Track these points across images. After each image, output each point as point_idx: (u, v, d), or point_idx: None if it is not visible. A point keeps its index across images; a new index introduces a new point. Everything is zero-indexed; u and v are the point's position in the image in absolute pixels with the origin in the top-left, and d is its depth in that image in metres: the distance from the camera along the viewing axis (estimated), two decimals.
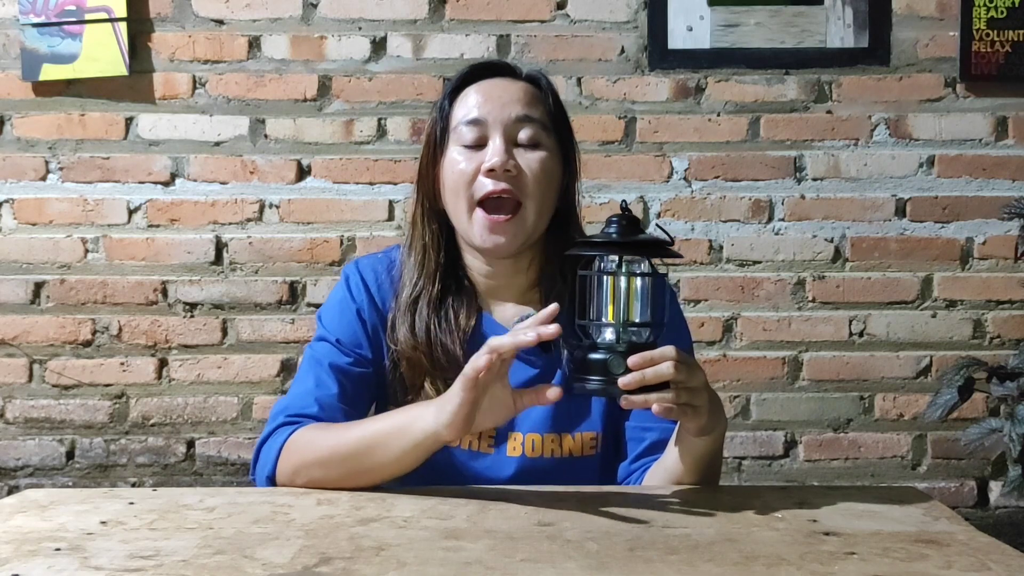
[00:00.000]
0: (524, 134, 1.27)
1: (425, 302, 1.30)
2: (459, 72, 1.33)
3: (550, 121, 1.30)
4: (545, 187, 1.28)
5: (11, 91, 2.45)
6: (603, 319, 1.08)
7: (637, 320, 1.07)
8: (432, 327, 1.28)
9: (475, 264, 1.33)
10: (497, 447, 1.29)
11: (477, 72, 1.32)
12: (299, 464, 1.18)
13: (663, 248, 1.08)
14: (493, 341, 1.07)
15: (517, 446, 1.29)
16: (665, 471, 1.21)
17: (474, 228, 1.27)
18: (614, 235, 1.07)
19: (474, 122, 1.27)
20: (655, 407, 1.04)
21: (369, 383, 1.31)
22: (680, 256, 1.10)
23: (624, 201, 1.17)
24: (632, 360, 1.03)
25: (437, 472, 1.21)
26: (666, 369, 1.03)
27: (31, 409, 2.48)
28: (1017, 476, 2.07)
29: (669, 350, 1.04)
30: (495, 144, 1.25)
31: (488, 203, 1.26)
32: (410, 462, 1.14)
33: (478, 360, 1.06)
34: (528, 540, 0.95)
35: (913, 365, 2.48)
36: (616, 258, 1.08)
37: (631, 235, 1.06)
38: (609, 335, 1.07)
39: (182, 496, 1.13)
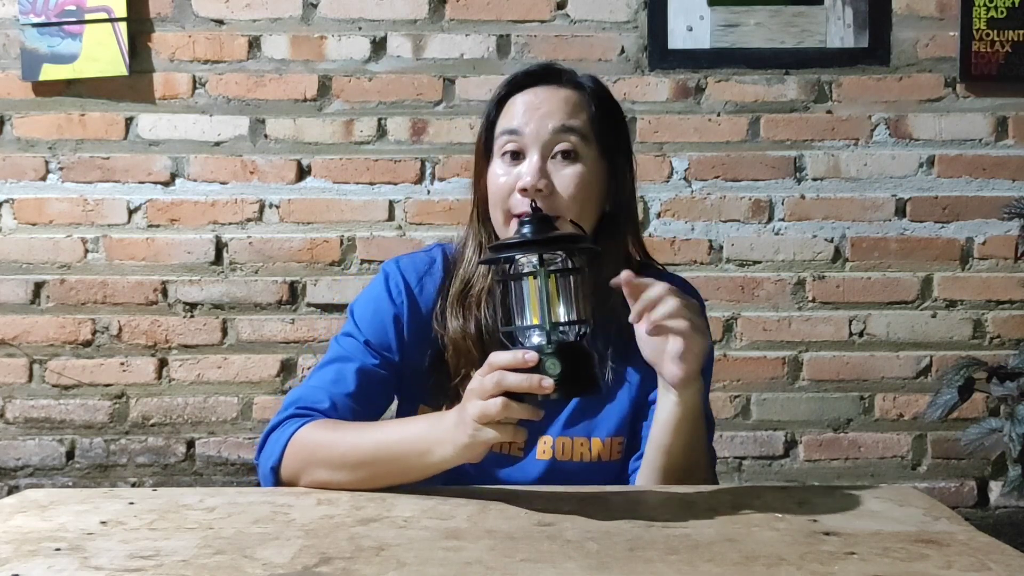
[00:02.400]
0: (561, 147, 1.26)
1: (476, 296, 1.30)
2: (507, 78, 1.33)
3: (591, 129, 1.28)
4: (582, 201, 1.26)
5: (11, 91, 2.45)
6: (528, 323, 1.04)
7: (563, 320, 1.03)
8: (483, 319, 1.28)
9: None
10: (527, 450, 1.29)
11: (523, 79, 1.31)
12: (306, 462, 1.18)
13: (578, 241, 1.06)
14: (494, 358, 1.04)
15: (547, 449, 1.29)
16: (652, 444, 1.19)
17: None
18: (527, 235, 1.04)
19: (512, 132, 1.27)
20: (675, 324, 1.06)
21: (389, 386, 1.31)
22: (597, 250, 1.08)
23: (534, 201, 1.14)
24: (620, 279, 1.06)
25: (463, 473, 1.20)
26: (672, 304, 1.05)
27: (31, 409, 2.48)
28: (1017, 476, 2.07)
29: (661, 287, 1.06)
30: (531, 162, 1.25)
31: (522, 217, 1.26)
32: (420, 478, 1.14)
33: (489, 409, 1.03)
34: (528, 540, 0.95)
35: (913, 365, 2.48)
36: (533, 258, 1.03)
37: (544, 232, 1.04)
38: (537, 338, 1.03)
39: (182, 496, 1.13)
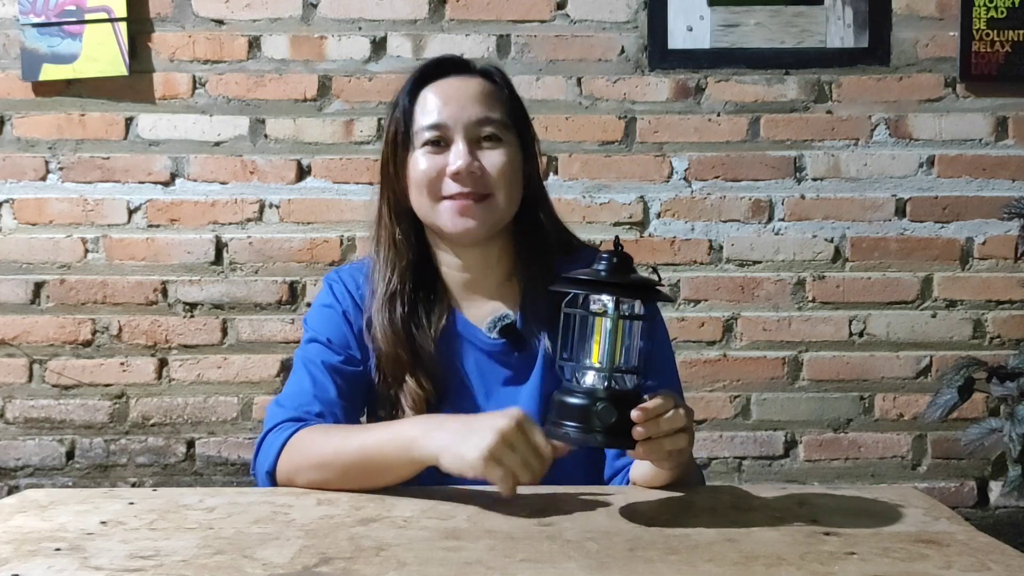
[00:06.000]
0: (485, 133, 1.30)
1: (400, 299, 1.31)
2: (415, 71, 1.35)
3: (508, 117, 1.33)
4: (511, 178, 1.31)
5: (11, 91, 2.45)
6: (587, 362, 1.02)
7: (623, 367, 1.02)
8: (407, 322, 1.30)
9: (446, 259, 1.35)
10: None
11: (432, 71, 1.34)
12: (300, 465, 1.19)
13: (657, 291, 1.03)
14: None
15: None
16: (640, 479, 1.21)
17: (442, 216, 1.29)
18: (603, 273, 1.01)
19: (436, 126, 1.30)
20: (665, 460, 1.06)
21: (361, 382, 1.32)
22: (671, 300, 1.07)
23: (617, 237, 1.09)
24: (636, 415, 0.99)
25: (430, 471, 1.21)
26: (678, 422, 1.03)
27: (31, 409, 2.48)
28: (1017, 476, 2.07)
29: (668, 402, 1.02)
30: (458, 147, 1.28)
31: (453, 198, 1.29)
32: (408, 476, 1.15)
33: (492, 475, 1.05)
34: (528, 540, 0.95)
35: (913, 365, 2.48)
36: (608, 298, 1.02)
37: (624, 275, 1.01)
38: (592, 379, 1.01)
39: (182, 496, 1.13)
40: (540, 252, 1.34)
